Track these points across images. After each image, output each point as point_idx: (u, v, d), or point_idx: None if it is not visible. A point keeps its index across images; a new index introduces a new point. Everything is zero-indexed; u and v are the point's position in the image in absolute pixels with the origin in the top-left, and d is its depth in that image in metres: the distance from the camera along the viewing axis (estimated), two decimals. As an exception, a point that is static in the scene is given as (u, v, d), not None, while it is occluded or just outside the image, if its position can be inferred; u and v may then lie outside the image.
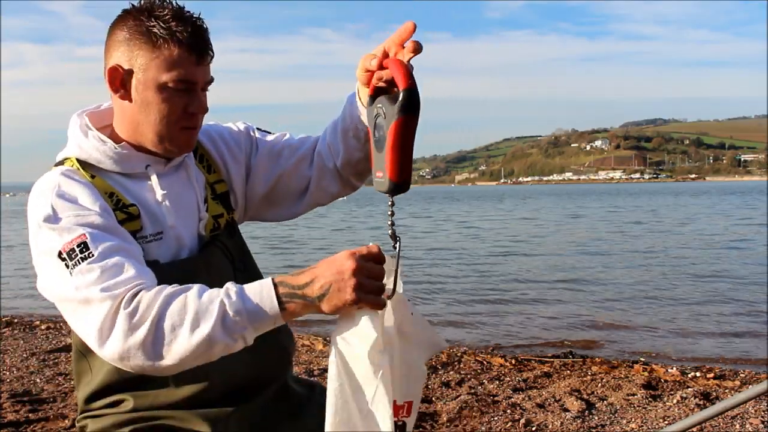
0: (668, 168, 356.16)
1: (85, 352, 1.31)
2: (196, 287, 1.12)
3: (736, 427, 3.46)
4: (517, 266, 12.56)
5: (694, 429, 3.00)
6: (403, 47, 1.15)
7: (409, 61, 1.13)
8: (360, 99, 1.34)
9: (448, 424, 3.57)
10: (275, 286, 1.09)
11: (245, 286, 1.11)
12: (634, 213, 32.49)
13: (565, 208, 40.14)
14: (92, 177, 1.29)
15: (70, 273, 1.14)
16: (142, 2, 1.27)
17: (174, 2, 1.28)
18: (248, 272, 1.43)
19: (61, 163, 1.33)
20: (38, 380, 4.49)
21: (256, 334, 1.11)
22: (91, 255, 1.15)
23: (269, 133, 1.56)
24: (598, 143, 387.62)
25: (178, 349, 1.08)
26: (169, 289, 1.12)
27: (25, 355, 5.24)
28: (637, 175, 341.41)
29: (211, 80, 1.33)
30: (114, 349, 1.10)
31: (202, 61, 1.28)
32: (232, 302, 1.08)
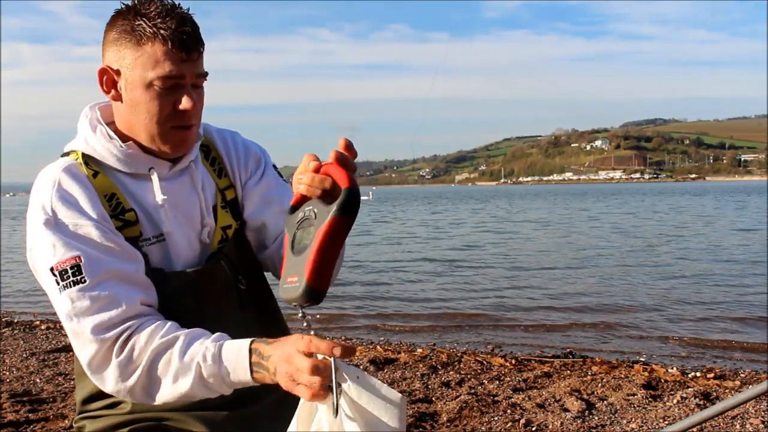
0: (668, 168, 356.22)
1: None
2: (182, 339, 1.17)
3: (736, 427, 3.46)
4: (517, 266, 12.57)
5: (694, 429, 2.99)
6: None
7: (350, 161, 1.01)
8: None
9: (448, 424, 3.56)
10: (250, 353, 1.12)
11: (225, 346, 1.14)
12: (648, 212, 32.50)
13: (567, 208, 40.02)
14: (94, 175, 1.28)
15: (60, 291, 1.16)
16: (133, 1, 1.24)
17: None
18: (251, 287, 1.41)
19: (67, 155, 1.31)
20: (38, 380, 4.49)
21: (232, 389, 1.17)
22: (83, 281, 1.16)
23: (281, 177, 1.50)
24: (598, 143, 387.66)
25: (162, 396, 1.19)
26: (157, 339, 1.17)
27: (25, 355, 5.23)
28: (637, 175, 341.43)
29: (204, 74, 1.28)
30: (106, 387, 1.20)
31: (189, 56, 1.23)
32: (207, 366, 1.14)
